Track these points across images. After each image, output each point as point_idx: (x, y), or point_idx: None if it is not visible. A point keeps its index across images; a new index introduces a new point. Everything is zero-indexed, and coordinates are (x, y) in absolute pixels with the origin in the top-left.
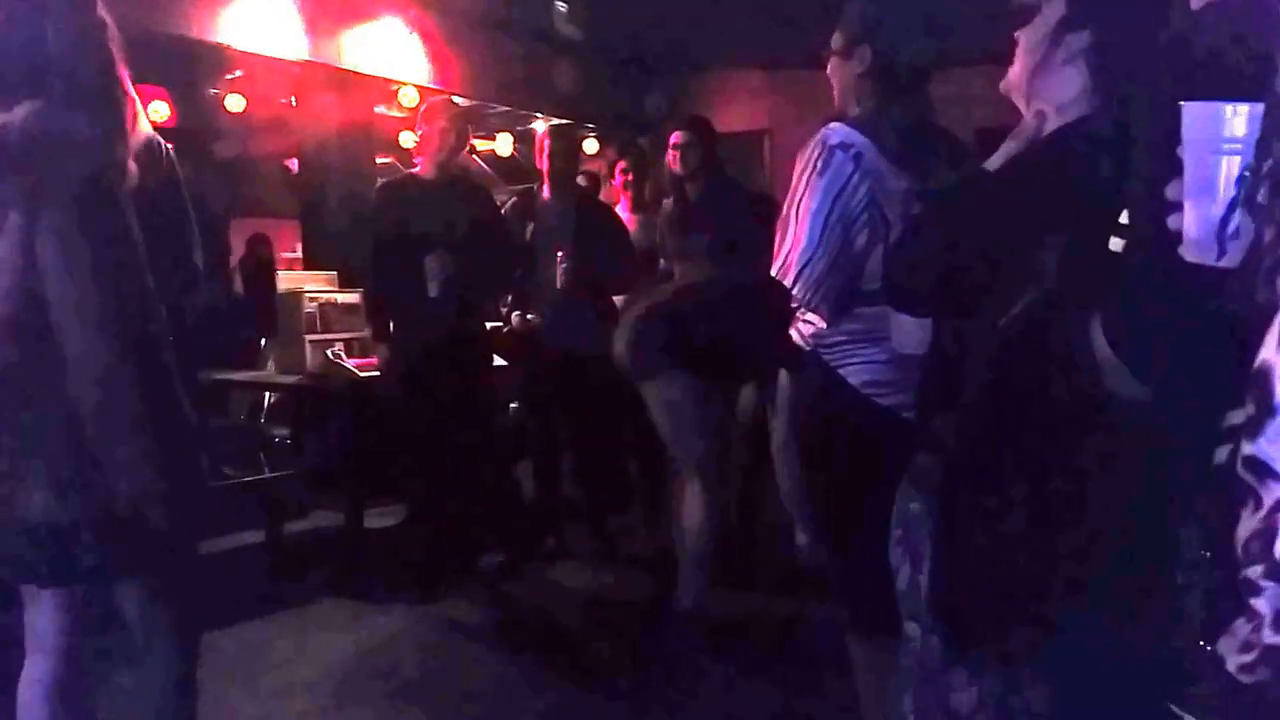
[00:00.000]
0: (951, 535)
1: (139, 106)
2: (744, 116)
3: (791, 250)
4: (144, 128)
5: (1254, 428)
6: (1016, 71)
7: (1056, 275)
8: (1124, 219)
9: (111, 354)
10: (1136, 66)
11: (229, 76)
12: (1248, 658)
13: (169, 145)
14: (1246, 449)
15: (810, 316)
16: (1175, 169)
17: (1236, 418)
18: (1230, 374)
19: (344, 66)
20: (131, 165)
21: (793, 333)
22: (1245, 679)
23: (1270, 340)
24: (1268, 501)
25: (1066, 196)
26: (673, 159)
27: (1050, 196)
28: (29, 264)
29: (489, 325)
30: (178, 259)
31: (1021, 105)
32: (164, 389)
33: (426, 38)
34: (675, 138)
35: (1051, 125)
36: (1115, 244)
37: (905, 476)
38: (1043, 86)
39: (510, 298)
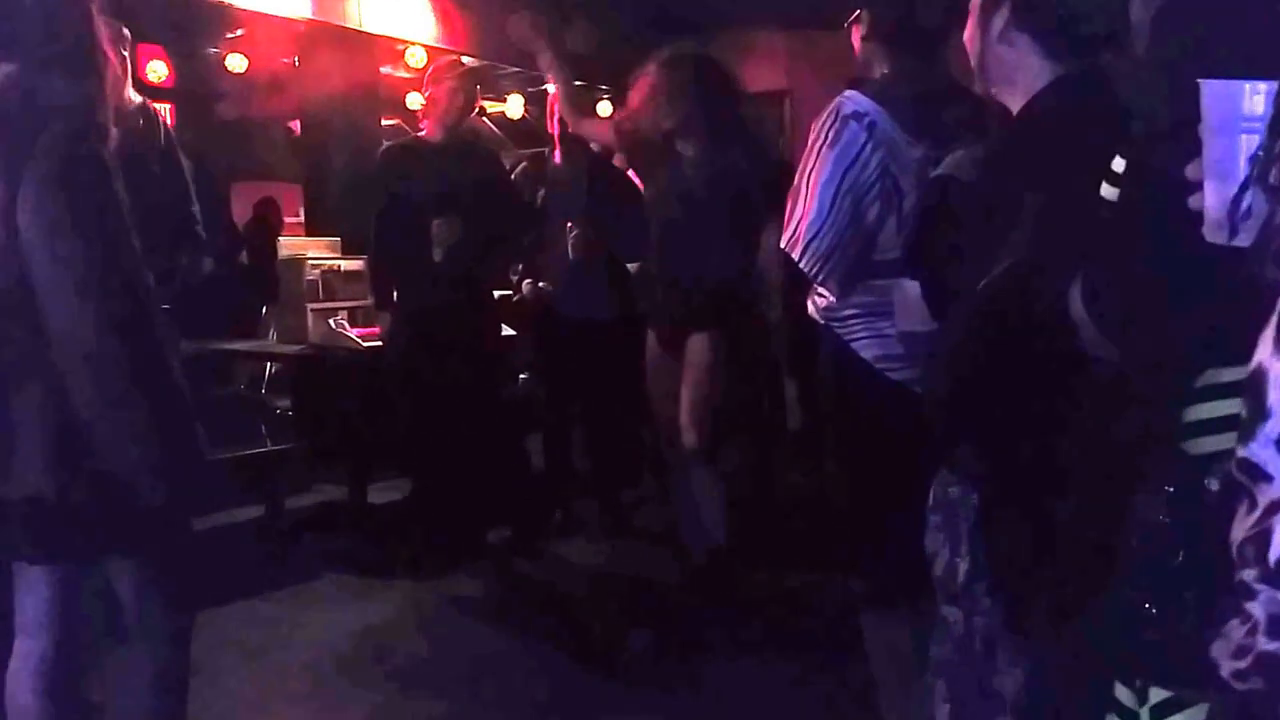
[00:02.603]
0: (996, 518)
1: (129, 70)
2: (763, 78)
3: (801, 222)
4: (132, 94)
5: (1248, 430)
6: (972, 59)
7: (1034, 243)
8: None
9: (96, 324)
10: (1082, 34)
11: (230, 35)
12: (1241, 664)
13: (163, 108)
14: (1240, 451)
15: (822, 290)
16: (1193, 148)
17: (1223, 375)
18: (1210, 334)
19: (349, 25)
20: (114, 130)
21: (808, 305)
22: (1239, 685)
23: (1265, 343)
24: (1262, 504)
25: (1040, 176)
26: None
27: (1025, 182)
28: (11, 232)
29: (498, 293)
30: (179, 227)
31: (985, 92)
32: (154, 359)
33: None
34: None
35: (1013, 107)
36: (1108, 191)
37: (943, 463)
38: (991, 70)
39: (521, 265)
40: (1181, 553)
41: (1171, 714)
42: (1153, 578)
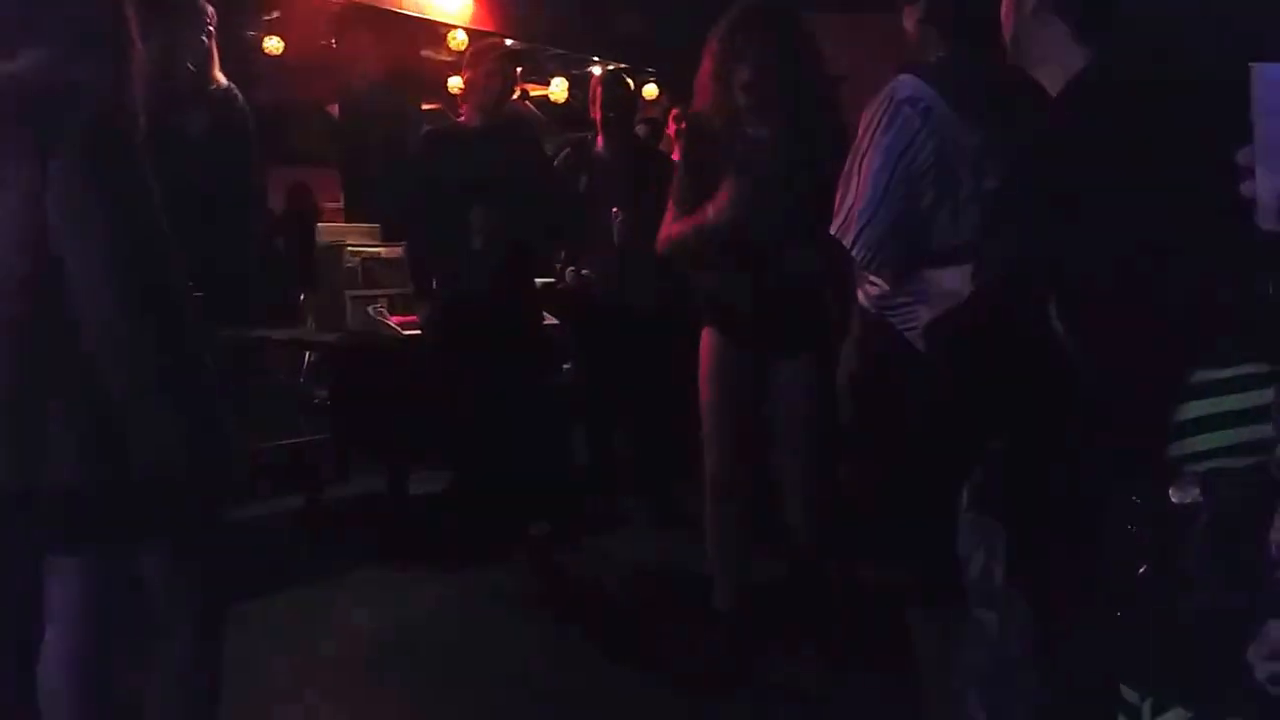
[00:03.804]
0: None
1: (214, 51)
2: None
3: (852, 209)
4: (219, 77)
5: None
6: (1008, 40)
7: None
8: None
9: (124, 311)
10: (1111, 15)
11: (267, 17)
12: (1278, 666)
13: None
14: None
15: (874, 278)
16: (1243, 133)
17: (1215, 374)
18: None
19: (388, 7)
20: (142, 116)
21: (858, 294)
22: (1275, 690)
23: None
24: None
25: (1072, 164)
26: None
27: (1058, 170)
28: (40, 219)
29: (541, 281)
30: (235, 211)
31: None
32: (185, 347)
33: None
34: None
35: (1051, 89)
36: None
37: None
38: (1026, 50)
39: (563, 253)
40: (1146, 564)
41: (1172, 706)
42: (1122, 587)
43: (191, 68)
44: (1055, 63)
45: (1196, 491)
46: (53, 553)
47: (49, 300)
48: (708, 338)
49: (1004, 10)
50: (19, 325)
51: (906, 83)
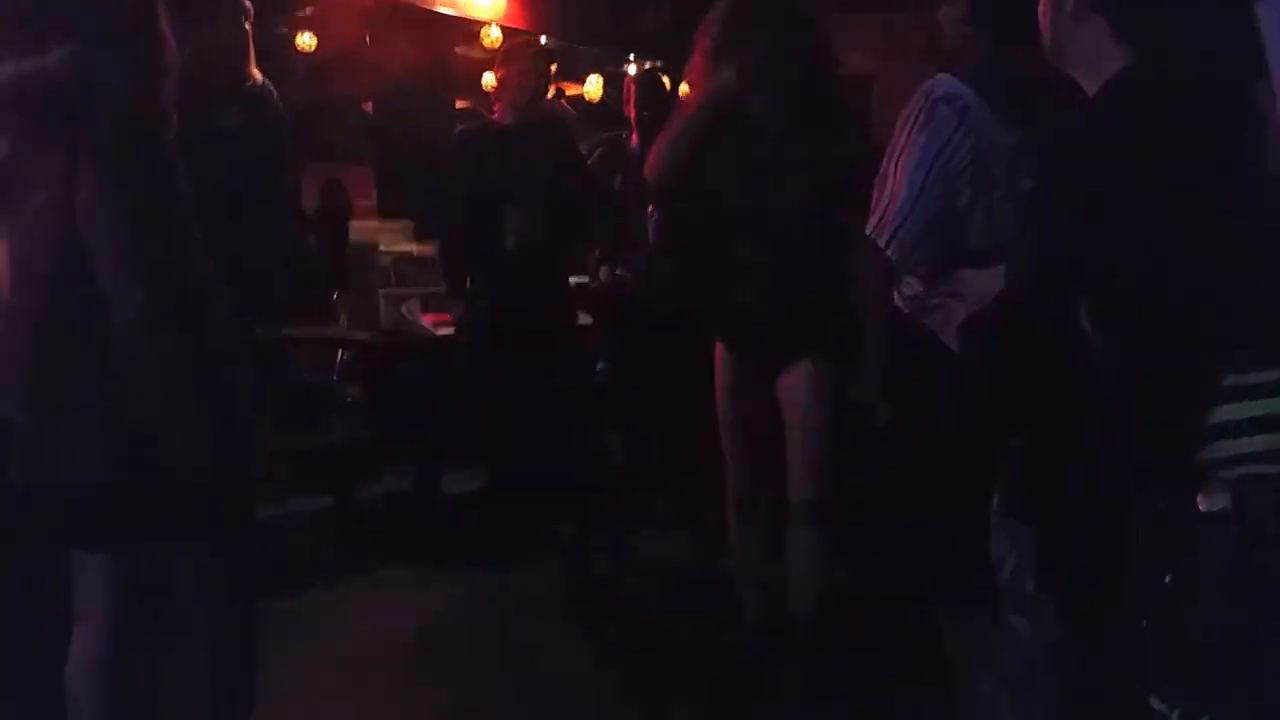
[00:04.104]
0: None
1: (251, 45)
2: (851, 62)
3: (888, 209)
4: (255, 72)
5: None
6: (1046, 40)
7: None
8: None
9: (152, 308)
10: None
11: (300, 14)
12: None
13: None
14: None
15: (910, 278)
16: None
17: (1246, 378)
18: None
19: (422, 3)
20: (174, 114)
21: (894, 295)
22: None
23: None
24: None
25: (1107, 165)
26: None
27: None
28: (68, 216)
29: (576, 280)
30: (268, 209)
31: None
32: (212, 344)
33: None
34: None
35: (1089, 89)
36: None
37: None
38: (1065, 50)
39: (598, 251)
40: (1172, 572)
41: (1201, 717)
42: (1149, 595)
43: (227, 64)
44: (1094, 63)
45: (1226, 498)
46: (80, 549)
47: (78, 296)
48: (719, 353)
49: (1042, 9)
50: (48, 321)
51: (944, 81)
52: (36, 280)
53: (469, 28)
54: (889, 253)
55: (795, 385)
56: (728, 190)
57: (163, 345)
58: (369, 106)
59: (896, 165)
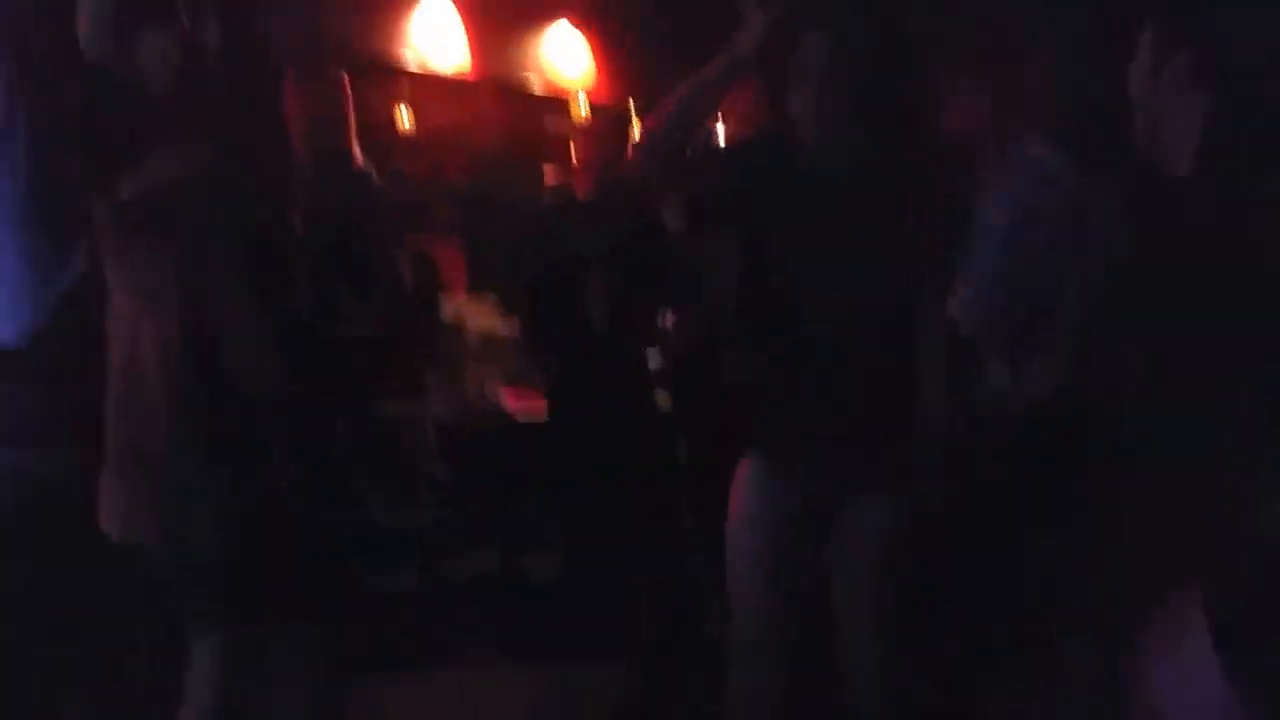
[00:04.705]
0: None
1: (352, 130)
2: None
3: (971, 281)
4: (356, 152)
5: None
6: (1137, 105)
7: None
8: None
9: (265, 387)
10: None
11: (396, 92)
12: None
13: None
14: None
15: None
16: None
17: None
18: None
19: (511, 82)
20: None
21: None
22: None
23: None
24: None
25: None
26: None
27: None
28: (201, 303)
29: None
30: (365, 287)
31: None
32: (320, 423)
33: (598, 49)
34: None
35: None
36: None
37: None
38: (1156, 121)
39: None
40: None
41: None
42: None
43: (329, 146)
44: (1186, 137)
45: None
46: (198, 625)
47: (208, 375)
48: (744, 473)
49: (1136, 78)
50: (182, 401)
51: (1027, 139)
52: (171, 360)
53: (558, 101)
54: (969, 330)
55: (862, 532)
56: (784, 252)
57: (273, 420)
58: (458, 180)
59: (981, 230)
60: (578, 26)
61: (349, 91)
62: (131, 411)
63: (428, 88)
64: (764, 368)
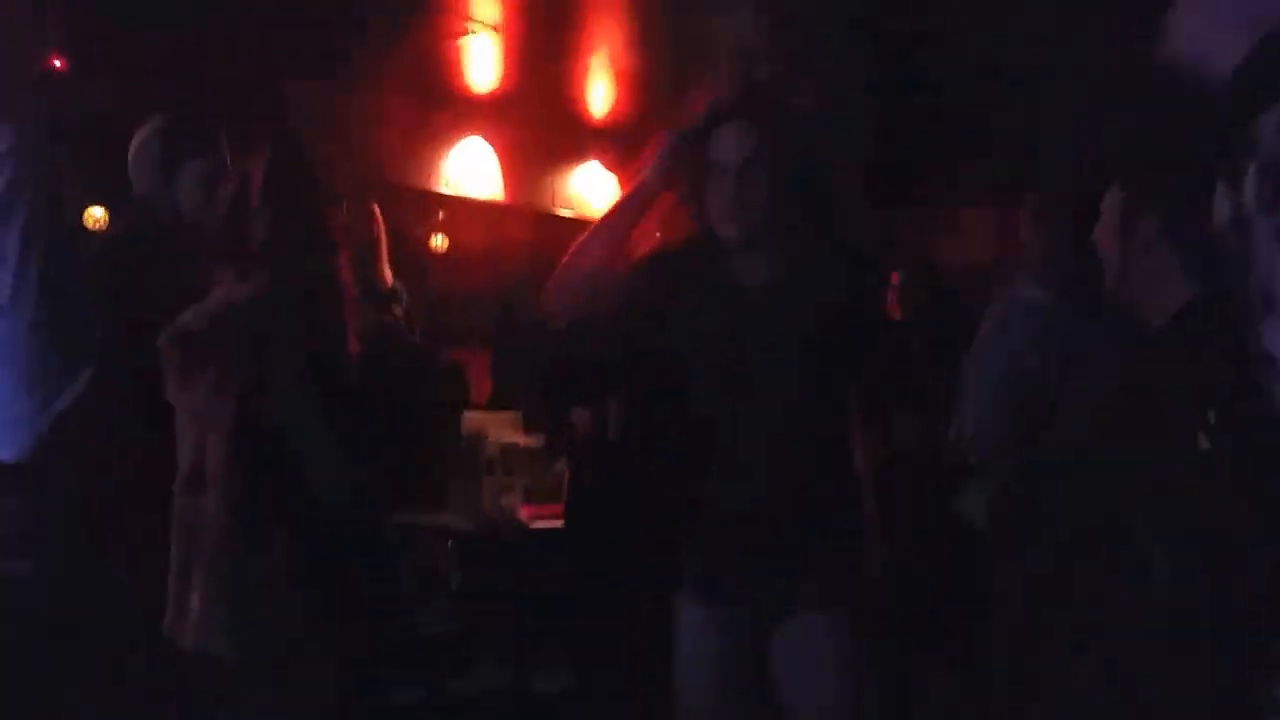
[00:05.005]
0: None
1: (384, 253)
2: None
3: (967, 415)
4: (387, 274)
5: None
6: (1109, 263)
7: None
8: None
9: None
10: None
11: (433, 219)
12: None
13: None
14: None
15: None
16: None
17: None
18: None
19: (540, 207)
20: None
21: None
22: None
23: None
24: None
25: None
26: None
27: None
28: (259, 413)
29: None
30: (397, 403)
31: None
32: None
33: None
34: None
35: (1149, 320)
36: None
37: None
38: (1130, 279)
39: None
40: None
41: None
42: None
43: (364, 270)
44: (1158, 297)
45: None
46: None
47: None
48: (680, 605)
49: (1106, 236)
50: (246, 504)
51: (1026, 282)
52: (233, 475)
53: (582, 226)
54: (973, 458)
55: (810, 655)
56: (705, 366)
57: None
58: (491, 299)
59: (976, 371)
60: (609, 169)
61: (380, 219)
62: (195, 520)
63: (461, 211)
64: (686, 499)
